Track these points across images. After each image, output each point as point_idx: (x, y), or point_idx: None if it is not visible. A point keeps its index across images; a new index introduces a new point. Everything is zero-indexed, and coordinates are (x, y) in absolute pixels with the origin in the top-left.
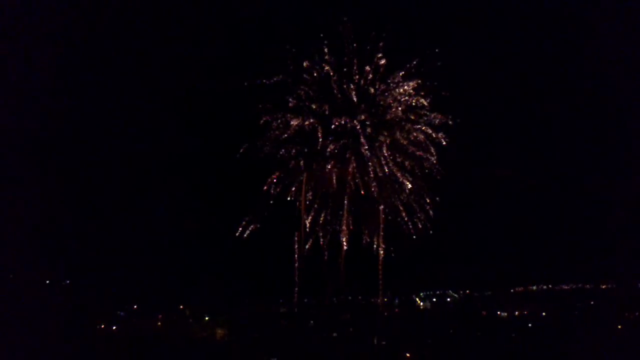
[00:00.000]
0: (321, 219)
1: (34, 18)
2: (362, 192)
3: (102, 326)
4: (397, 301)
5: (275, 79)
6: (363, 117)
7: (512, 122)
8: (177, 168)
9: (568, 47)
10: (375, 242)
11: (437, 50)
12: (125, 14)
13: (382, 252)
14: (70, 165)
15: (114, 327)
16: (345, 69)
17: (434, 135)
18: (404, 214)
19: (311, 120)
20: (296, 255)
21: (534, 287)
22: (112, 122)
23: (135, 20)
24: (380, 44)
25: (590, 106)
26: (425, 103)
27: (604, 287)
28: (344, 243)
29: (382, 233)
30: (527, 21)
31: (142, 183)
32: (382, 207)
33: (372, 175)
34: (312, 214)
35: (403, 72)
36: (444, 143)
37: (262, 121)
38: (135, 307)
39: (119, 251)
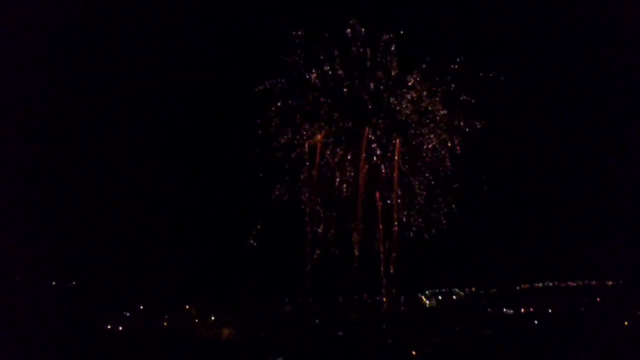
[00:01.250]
0: (332, 224)
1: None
2: (377, 197)
3: (109, 326)
4: (402, 299)
5: (285, 83)
6: (375, 121)
7: (520, 125)
8: (183, 169)
9: (588, 49)
10: (387, 246)
11: (451, 52)
12: (127, 18)
13: (394, 254)
14: (77, 165)
15: (120, 328)
16: (355, 73)
17: (446, 138)
18: (417, 219)
19: (322, 125)
20: (307, 252)
21: (540, 284)
22: (117, 124)
23: (140, 25)
24: (393, 47)
25: (601, 109)
26: (439, 107)
27: (610, 283)
28: (356, 249)
29: (395, 237)
30: (544, 25)
31: (148, 183)
32: (395, 215)
33: (384, 181)
34: (323, 217)
35: (416, 76)
36: (458, 148)
37: (272, 126)
38: (141, 307)
39: (125, 252)
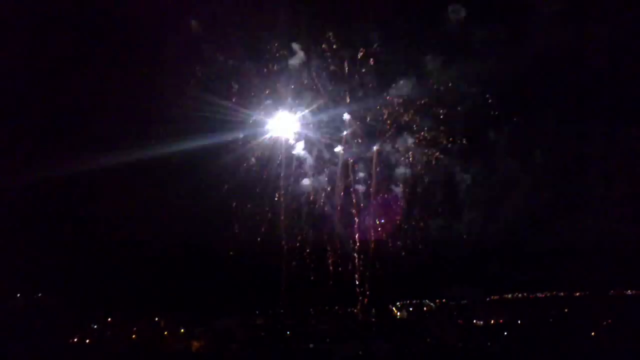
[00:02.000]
0: (308, 239)
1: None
2: (354, 212)
3: (75, 340)
4: (373, 311)
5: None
6: (351, 133)
7: (499, 140)
8: (153, 180)
9: (577, 55)
10: (362, 261)
11: (431, 65)
12: (104, 23)
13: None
14: (45, 176)
15: (87, 341)
16: (331, 84)
17: (424, 152)
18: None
19: (297, 137)
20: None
21: (510, 296)
22: (86, 128)
23: (112, 28)
24: (371, 60)
25: (593, 122)
26: (417, 119)
27: (577, 294)
28: (331, 266)
29: (371, 252)
30: (533, 35)
31: (116, 194)
32: (371, 230)
33: (361, 194)
34: (299, 231)
35: (394, 87)
36: (433, 160)
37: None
38: (108, 319)
39: (91, 261)
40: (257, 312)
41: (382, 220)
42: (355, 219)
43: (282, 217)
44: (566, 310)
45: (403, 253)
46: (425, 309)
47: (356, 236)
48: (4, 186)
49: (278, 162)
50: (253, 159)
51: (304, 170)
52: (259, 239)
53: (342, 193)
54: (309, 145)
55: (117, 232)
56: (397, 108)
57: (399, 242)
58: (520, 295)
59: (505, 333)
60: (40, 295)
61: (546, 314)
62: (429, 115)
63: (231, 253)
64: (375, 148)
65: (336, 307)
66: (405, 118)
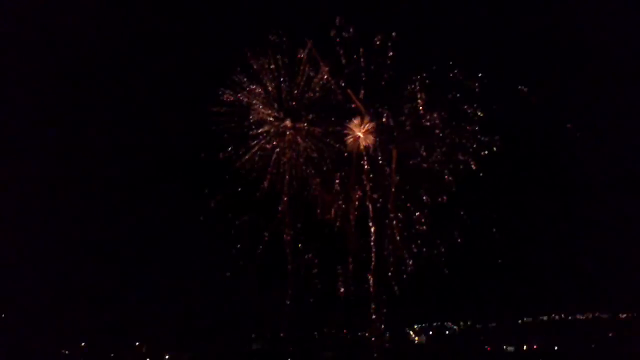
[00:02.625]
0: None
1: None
2: (371, 226)
3: None
4: (388, 335)
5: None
6: (364, 135)
7: (533, 145)
8: (138, 197)
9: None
10: (374, 281)
11: (457, 57)
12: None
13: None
14: (21, 194)
15: None
16: (343, 81)
17: (450, 158)
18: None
19: (306, 144)
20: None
21: (545, 318)
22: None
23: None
24: (388, 50)
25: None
26: (438, 121)
27: (623, 316)
28: (342, 288)
29: (390, 272)
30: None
31: (96, 212)
32: (390, 245)
33: (377, 208)
34: (305, 251)
35: (415, 85)
36: (461, 167)
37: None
38: (82, 344)
39: (64, 279)
40: (253, 335)
41: (404, 234)
42: (371, 232)
43: (287, 228)
44: (610, 334)
45: (424, 270)
46: (447, 332)
47: (372, 251)
48: None
49: (283, 166)
50: (256, 164)
51: (313, 175)
52: (258, 251)
53: (356, 202)
54: (318, 147)
55: (94, 248)
56: (418, 105)
57: (420, 259)
58: (557, 317)
59: None
60: (3, 315)
61: (587, 339)
62: (457, 114)
63: (227, 274)
64: (394, 155)
65: (344, 331)
66: (428, 118)
